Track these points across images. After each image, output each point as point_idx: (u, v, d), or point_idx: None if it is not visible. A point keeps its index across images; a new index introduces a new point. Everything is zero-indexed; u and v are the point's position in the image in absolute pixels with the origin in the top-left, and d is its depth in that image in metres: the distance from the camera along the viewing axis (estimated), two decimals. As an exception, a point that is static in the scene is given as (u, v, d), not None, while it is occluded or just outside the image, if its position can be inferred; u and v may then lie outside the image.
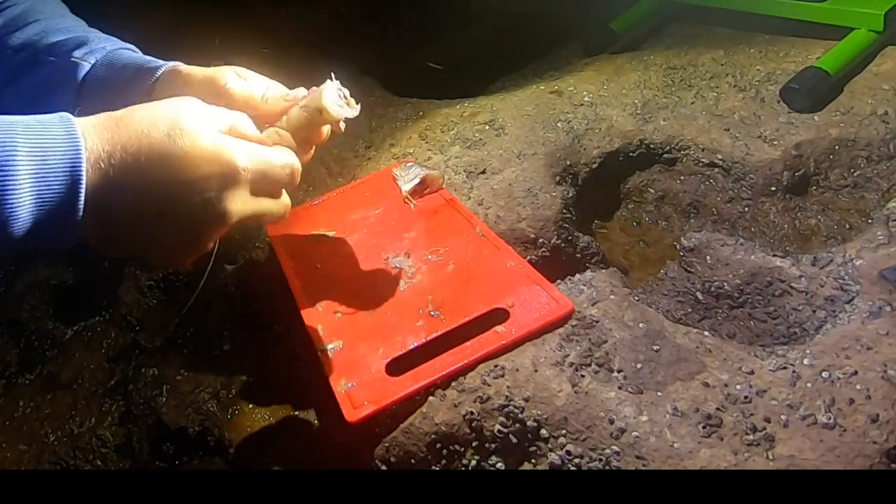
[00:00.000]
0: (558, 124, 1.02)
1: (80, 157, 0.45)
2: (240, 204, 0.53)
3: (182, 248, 0.54)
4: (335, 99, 0.62)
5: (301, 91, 0.63)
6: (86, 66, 0.68)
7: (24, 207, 0.43)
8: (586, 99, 1.08)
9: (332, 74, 0.63)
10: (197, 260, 0.56)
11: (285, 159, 0.56)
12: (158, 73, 0.66)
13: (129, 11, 0.77)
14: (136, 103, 0.64)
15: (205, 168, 0.50)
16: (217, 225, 0.53)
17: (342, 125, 0.64)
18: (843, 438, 0.52)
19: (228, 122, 0.54)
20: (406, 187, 0.85)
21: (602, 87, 1.11)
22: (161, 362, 0.90)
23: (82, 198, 0.45)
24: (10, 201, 0.42)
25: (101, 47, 0.70)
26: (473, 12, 1.64)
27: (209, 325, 0.94)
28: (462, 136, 1.02)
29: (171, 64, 0.67)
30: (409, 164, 0.89)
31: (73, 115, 0.58)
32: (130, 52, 0.72)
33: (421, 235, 0.80)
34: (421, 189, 0.86)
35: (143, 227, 0.51)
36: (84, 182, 0.45)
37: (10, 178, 0.42)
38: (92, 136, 0.47)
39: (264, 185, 0.55)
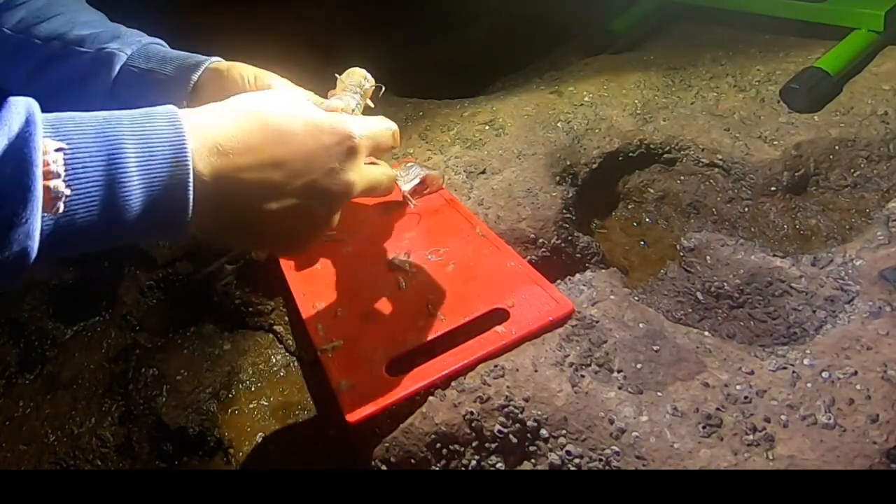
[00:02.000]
0: (558, 124, 1.02)
1: (184, 147, 0.44)
2: (359, 173, 0.53)
3: (309, 228, 0.53)
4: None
5: (334, 102, 0.64)
6: (122, 57, 0.68)
7: (134, 198, 0.42)
8: (586, 99, 1.08)
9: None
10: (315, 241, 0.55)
11: (387, 124, 0.58)
12: (201, 70, 0.66)
13: (128, 10, 0.76)
14: (176, 100, 0.65)
15: (325, 139, 0.50)
16: (342, 198, 0.52)
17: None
18: (843, 438, 0.52)
19: (324, 104, 0.57)
20: (406, 187, 0.85)
21: (602, 87, 1.11)
22: (161, 362, 0.90)
23: (190, 189, 0.44)
24: (122, 193, 0.42)
25: (135, 40, 0.70)
26: (473, 12, 1.65)
27: (209, 325, 0.94)
28: (462, 136, 1.02)
29: (213, 60, 0.67)
30: (409, 164, 0.89)
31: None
32: (164, 47, 0.71)
33: (421, 235, 0.79)
34: (421, 189, 0.86)
35: (267, 213, 0.49)
36: (191, 172, 0.44)
37: (121, 169, 0.42)
38: (199, 126, 0.46)
39: (374, 151, 0.56)
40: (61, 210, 0.40)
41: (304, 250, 0.55)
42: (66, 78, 0.70)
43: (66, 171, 0.40)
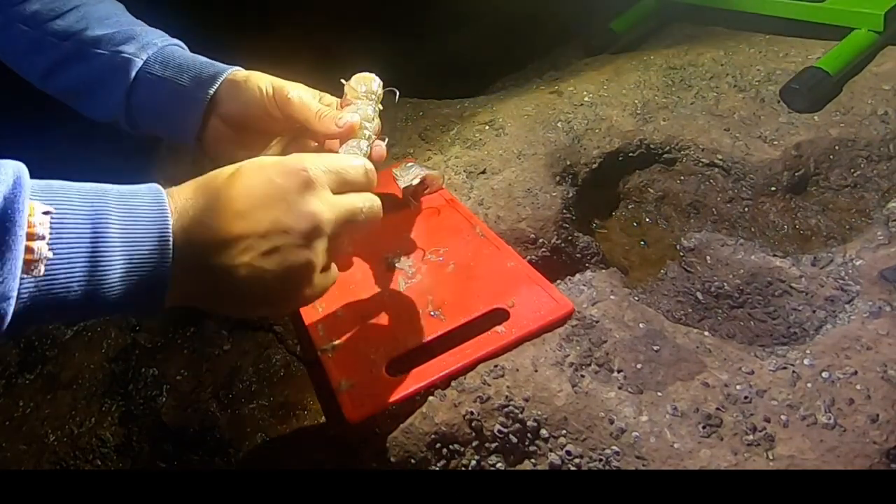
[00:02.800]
0: (558, 124, 1.02)
1: (167, 226, 0.44)
2: (326, 203, 0.50)
3: (294, 275, 0.49)
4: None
5: (352, 117, 0.62)
6: (138, 63, 0.68)
7: (115, 270, 0.42)
8: (586, 99, 1.08)
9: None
10: (315, 293, 0.52)
11: (354, 160, 0.55)
12: (218, 83, 0.66)
13: (131, 8, 0.76)
14: (193, 110, 0.66)
15: (276, 178, 0.48)
16: (314, 232, 0.49)
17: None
18: (843, 438, 0.52)
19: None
20: (406, 187, 0.85)
21: (602, 87, 1.11)
22: (161, 362, 0.90)
23: (169, 266, 0.44)
24: (103, 264, 0.42)
25: (151, 42, 0.69)
26: (473, 12, 1.64)
27: (209, 325, 0.94)
28: (462, 136, 1.02)
29: (230, 71, 0.67)
30: (409, 164, 0.89)
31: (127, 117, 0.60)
32: (181, 49, 0.71)
33: (421, 235, 0.80)
34: (421, 189, 0.86)
35: (243, 266, 0.47)
36: (171, 251, 0.44)
37: (104, 240, 0.42)
38: (179, 206, 0.46)
39: (343, 187, 0.52)
40: (41, 272, 0.39)
41: (303, 301, 0.52)
42: (83, 80, 0.70)
43: (50, 233, 0.40)
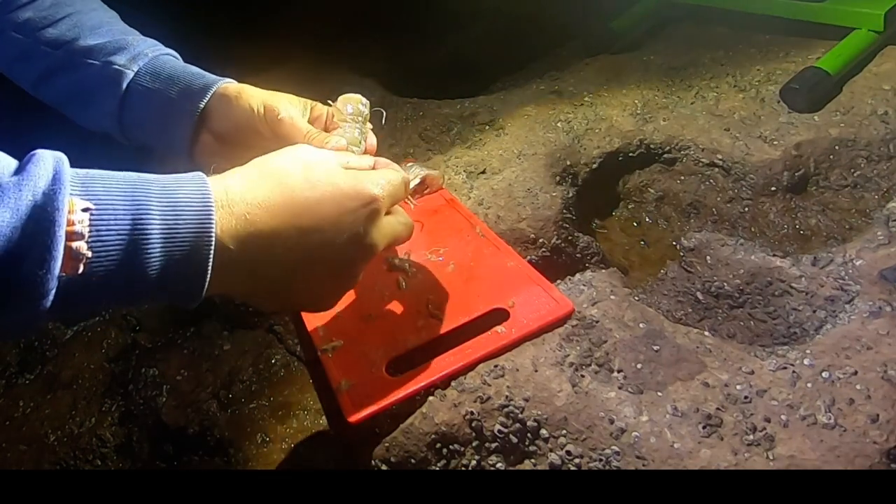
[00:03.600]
0: (558, 124, 1.02)
1: (210, 217, 0.44)
2: (381, 232, 0.53)
3: (335, 290, 0.55)
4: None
5: (338, 141, 0.63)
6: (129, 75, 0.67)
7: (154, 264, 0.42)
8: (586, 99, 1.08)
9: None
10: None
11: (399, 175, 0.57)
12: (208, 97, 0.65)
13: (123, 12, 0.76)
14: (183, 123, 0.66)
15: (348, 204, 0.50)
16: (367, 259, 0.53)
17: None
18: (843, 438, 0.52)
19: (344, 160, 0.55)
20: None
21: (602, 87, 1.11)
22: (161, 362, 0.90)
23: (210, 259, 0.44)
24: (142, 259, 0.41)
25: (142, 53, 0.69)
26: (473, 12, 1.64)
27: (209, 325, 0.94)
28: (462, 136, 1.02)
29: (221, 84, 0.66)
30: (409, 165, 0.89)
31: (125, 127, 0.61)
32: (173, 60, 0.70)
33: (421, 235, 0.79)
34: (421, 189, 0.86)
35: (294, 280, 0.50)
36: (213, 243, 0.44)
37: (145, 235, 0.41)
38: (227, 194, 0.46)
39: (391, 204, 0.56)
40: (80, 271, 0.39)
41: (329, 307, 0.57)
42: (75, 89, 0.70)
43: (89, 231, 0.39)
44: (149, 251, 0.42)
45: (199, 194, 0.45)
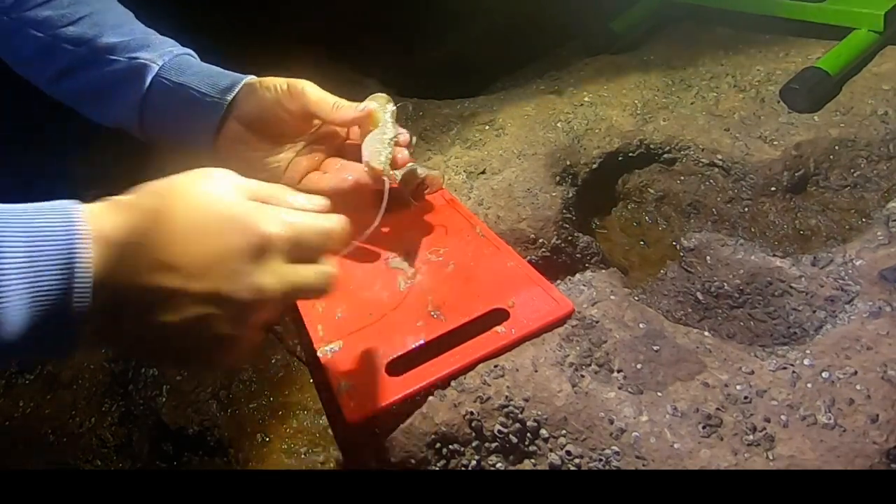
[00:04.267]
0: (558, 124, 1.02)
1: (75, 252, 0.39)
2: (275, 276, 0.44)
3: (221, 343, 0.45)
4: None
5: (371, 104, 0.66)
6: (154, 68, 0.68)
7: (14, 308, 0.37)
8: (586, 99, 1.08)
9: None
10: (239, 360, 0.47)
11: (333, 225, 0.49)
12: (236, 91, 0.66)
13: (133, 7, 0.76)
14: (210, 116, 0.66)
15: (231, 238, 0.43)
16: (252, 307, 0.44)
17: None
18: (843, 438, 0.52)
19: (263, 192, 0.47)
20: (406, 187, 0.85)
21: (602, 87, 1.11)
22: (161, 362, 0.90)
23: (80, 299, 0.39)
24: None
25: (166, 50, 0.70)
26: (473, 12, 1.64)
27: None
28: (462, 136, 1.02)
29: (247, 79, 0.68)
30: (409, 164, 0.89)
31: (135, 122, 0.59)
32: (195, 59, 0.71)
33: (421, 235, 0.79)
34: (421, 189, 0.86)
35: (166, 324, 0.42)
36: (82, 279, 0.39)
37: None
38: (98, 225, 0.40)
39: (298, 253, 0.46)
40: None
41: (225, 366, 0.51)
42: (97, 85, 0.70)
43: None
44: (6, 290, 0.37)
45: (64, 226, 0.39)
